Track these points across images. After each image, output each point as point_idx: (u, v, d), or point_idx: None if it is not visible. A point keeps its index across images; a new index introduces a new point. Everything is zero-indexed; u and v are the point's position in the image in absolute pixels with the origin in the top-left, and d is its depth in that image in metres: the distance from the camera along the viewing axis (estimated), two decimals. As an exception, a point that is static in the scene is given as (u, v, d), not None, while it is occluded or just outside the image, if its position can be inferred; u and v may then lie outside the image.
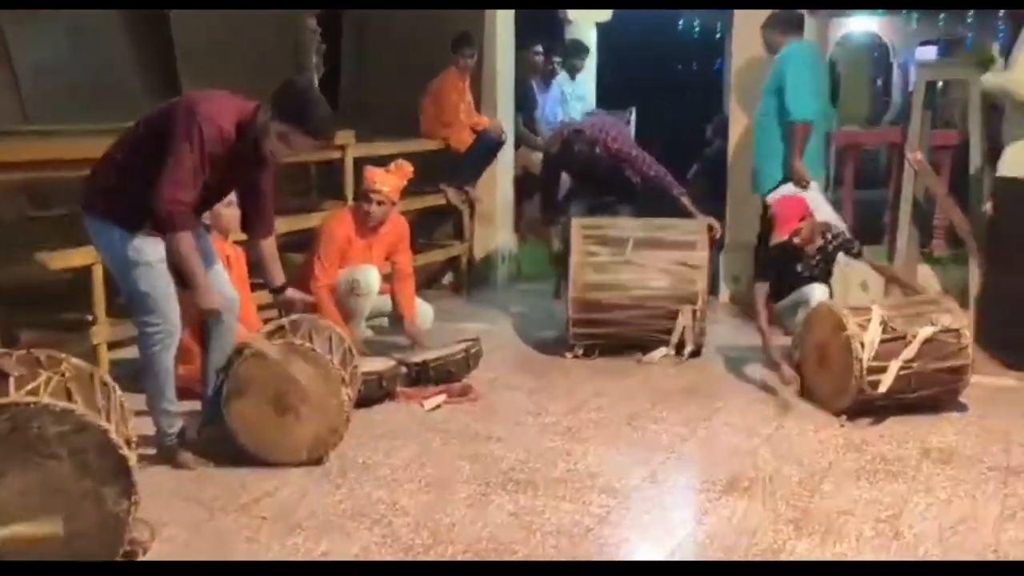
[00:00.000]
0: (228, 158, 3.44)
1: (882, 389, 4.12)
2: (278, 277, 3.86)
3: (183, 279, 3.52)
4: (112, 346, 4.55)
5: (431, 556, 2.99)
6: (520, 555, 2.99)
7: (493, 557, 2.98)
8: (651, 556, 3.03)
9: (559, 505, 3.35)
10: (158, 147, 3.36)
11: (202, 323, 3.74)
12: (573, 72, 8.37)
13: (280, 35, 7.22)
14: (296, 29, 7.32)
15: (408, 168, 5.02)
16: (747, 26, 6.31)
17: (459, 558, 2.97)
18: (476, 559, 2.96)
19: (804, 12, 5.95)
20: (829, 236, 4.93)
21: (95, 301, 4.31)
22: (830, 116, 5.86)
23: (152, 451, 3.71)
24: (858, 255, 4.99)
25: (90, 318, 4.38)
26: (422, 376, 4.61)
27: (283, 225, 5.34)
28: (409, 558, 2.98)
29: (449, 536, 3.12)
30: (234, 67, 6.70)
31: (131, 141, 3.54)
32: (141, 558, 2.93)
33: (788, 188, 5.50)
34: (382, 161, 5.20)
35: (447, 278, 7.16)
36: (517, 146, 7.43)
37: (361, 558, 2.98)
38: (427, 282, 7.03)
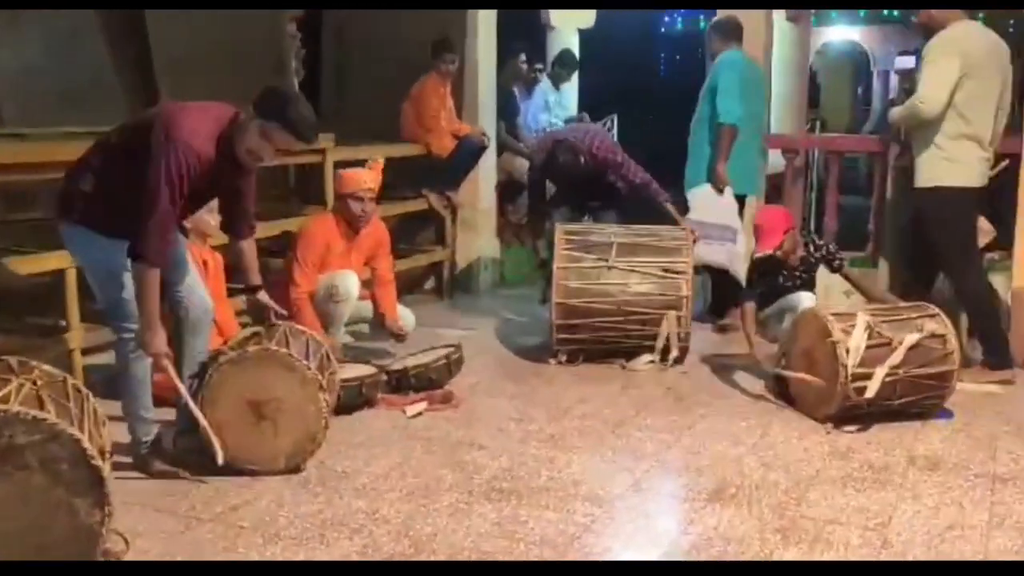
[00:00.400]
0: (208, 172, 3.37)
1: (868, 395, 4.09)
2: (256, 278, 3.79)
3: (160, 286, 3.45)
4: (86, 352, 4.46)
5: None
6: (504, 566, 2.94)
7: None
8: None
9: (543, 514, 3.30)
10: (131, 162, 3.29)
11: (175, 330, 3.66)
12: (557, 82, 8.34)
13: (259, 38, 7.15)
14: (276, 32, 7.25)
15: (382, 163, 4.99)
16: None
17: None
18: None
19: (756, 20, 6.19)
20: (812, 247, 4.91)
21: (68, 306, 4.22)
22: (761, 123, 6.11)
23: (127, 459, 3.64)
24: (839, 268, 4.96)
25: (64, 323, 4.29)
26: (403, 383, 4.55)
27: (262, 230, 5.26)
28: (390, 569, 2.92)
29: (431, 546, 3.06)
30: (213, 70, 6.63)
31: (108, 150, 3.46)
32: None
33: (707, 188, 5.78)
34: (362, 166, 5.15)
35: (429, 283, 7.11)
36: (500, 152, 7.38)
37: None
38: (409, 287, 6.97)
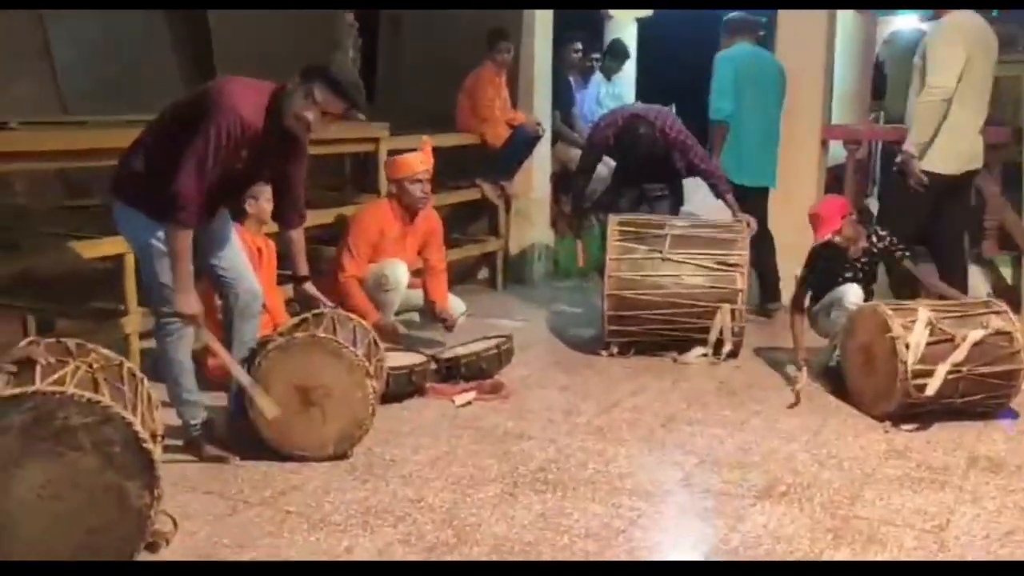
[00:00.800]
0: (254, 146, 3.38)
1: (929, 393, 3.97)
2: (303, 268, 3.81)
3: (199, 271, 3.49)
4: (144, 336, 4.53)
5: (454, 556, 2.92)
6: (547, 557, 2.91)
7: (519, 558, 2.90)
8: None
9: (588, 507, 3.26)
10: (182, 135, 3.32)
11: (224, 315, 3.70)
12: (609, 73, 8.25)
13: (316, 29, 7.20)
14: (333, 23, 7.30)
15: (431, 143, 5.06)
16: (792, 21, 6.19)
17: (483, 559, 2.90)
18: (499, 560, 2.89)
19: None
20: (875, 238, 4.78)
21: (126, 291, 4.29)
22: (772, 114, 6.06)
23: (178, 442, 3.69)
24: (902, 260, 4.81)
25: (122, 308, 4.36)
26: (453, 372, 4.55)
27: (316, 218, 5.33)
28: (432, 557, 2.91)
29: (474, 536, 3.04)
30: (270, 59, 6.68)
31: (158, 128, 3.50)
32: (163, 550, 2.90)
33: None
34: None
35: (482, 274, 7.10)
36: (554, 142, 7.33)
37: (383, 555, 2.92)
38: (462, 277, 6.97)
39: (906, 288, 4.88)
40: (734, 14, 6.07)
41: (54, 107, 5.86)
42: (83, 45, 5.98)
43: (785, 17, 6.32)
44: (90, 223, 4.59)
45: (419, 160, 4.96)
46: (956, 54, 4.80)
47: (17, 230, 4.72)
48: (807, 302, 4.83)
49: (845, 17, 8.19)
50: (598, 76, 8.03)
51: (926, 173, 4.92)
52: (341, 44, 7.59)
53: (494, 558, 2.90)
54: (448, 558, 2.91)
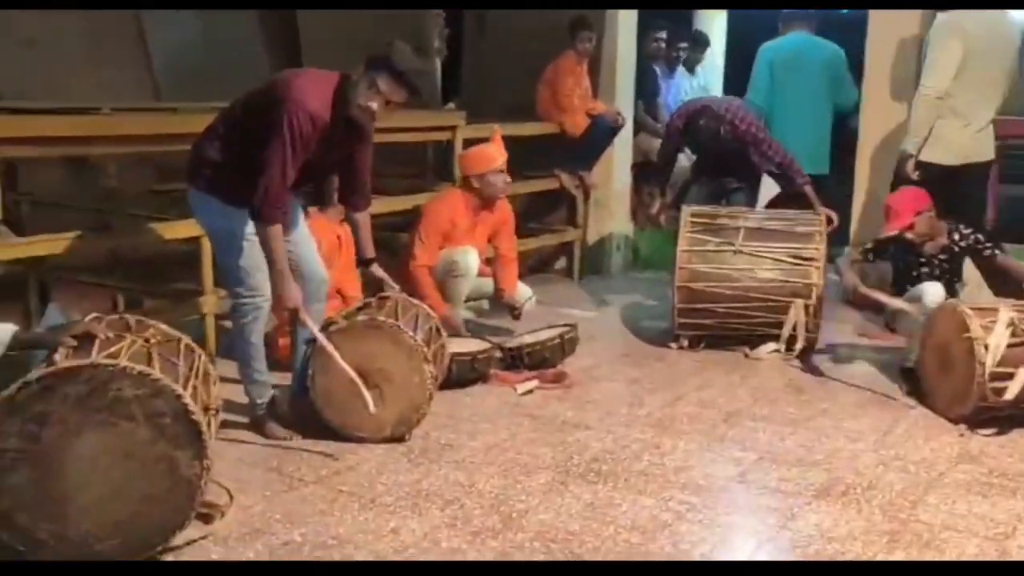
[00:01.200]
0: (324, 136, 3.46)
1: (1008, 397, 3.80)
2: (369, 250, 3.87)
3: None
4: (222, 317, 4.67)
5: (498, 541, 2.93)
6: (589, 546, 2.90)
7: (561, 546, 2.89)
8: (726, 558, 2.87)
9: (638, 499, 3.23)
10: (253, 127, 3.42)
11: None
12: (692, 64, 8.09)
13: (402, 19, 7.29)
14: (419, 14, 7.37)
15: (500, 131, 5.10)
16: (883, 14, 6.00)
17: (526, 545, 2.90)
18: (542, 547, 2.88)
19: None
20: (957, 235, 4.57)
21: (203, 272, 4.43)
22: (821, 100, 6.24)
23: (244, 419, 3.80)
24: (990, 258, 4.58)
25: (199, 288, 4.51)
26: (516, 360, 4.56)
27: (393, 204, 5.41)
28: (476, 542, 2.92)
29: (519, 522, 3.05)
30: (357, 50, 6.80)
31: (231, 118, 3.61)
32: (217, 522, 2.99)
33: None
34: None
35: (560, 264, 7.08)
36: (636, 132, 7.25)
37: (428, 537, 2.95)
38: (539, 267, 6.98)
39: (1008, 285, 4.64)
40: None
41: (147, 94, 6.09)
42: (176, 34, 6.19)
43: (876, 15, 6.12)
44: (176, 206, 4.74)
45: (498, 152, 4.99)
46: (950, 53, 4.97)
47: (108, 212, 4.92)
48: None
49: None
50: (680, 69, 7.90)
51: (925, 164, 5.08)
52: (428, 35, 7.68)
53: (536, 545, 2.90)
54: (491, 543, 2.92)
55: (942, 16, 5.11)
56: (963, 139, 5.11)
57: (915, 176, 5.04)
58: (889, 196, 4.80)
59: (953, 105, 5.04)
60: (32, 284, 5.02)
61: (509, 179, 5.00)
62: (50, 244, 4.14)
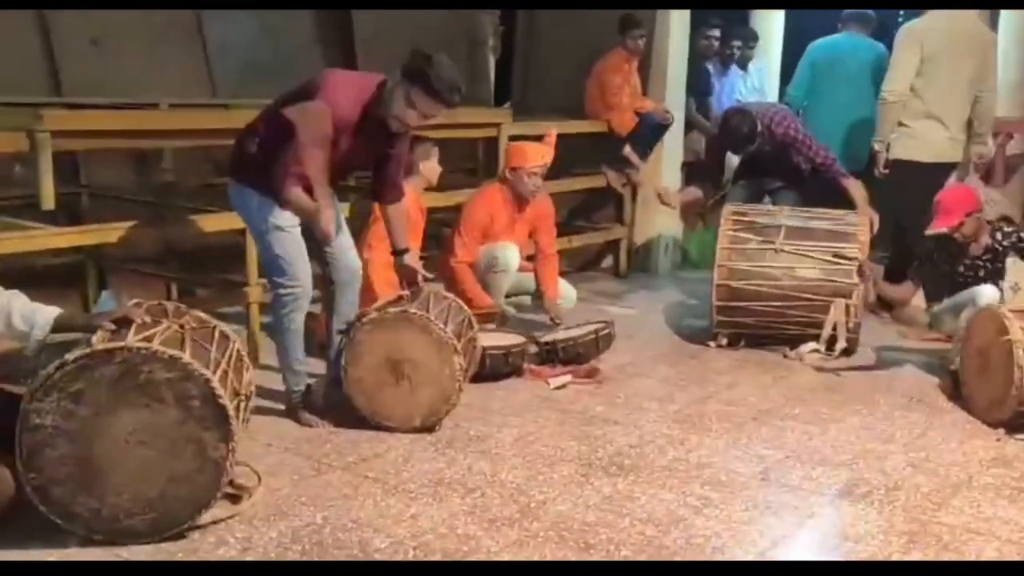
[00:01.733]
0: (356, 133, 3.56)
1: (1048, 402, 3.74)
2: (401, 241, 3.96)
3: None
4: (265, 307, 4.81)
5: (514, 530, 2.98)
6: (603, 538, 2.93)
7: (576, 537, 2.94)
8: (738, 555, 2.88)
9: (657, 493, 3.26)
10: (287, 125, 3.52)
11: (326, 288, 3.90)
12: (744, 63, 8.02)
13: (457, 18, 7.38)
14: (472, 12, 7.46)
15: (555, 133, 5.08)
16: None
17: (541, 535, 2.95)
18: (556, 536, 2.93)
19: None
20: (999, 235, 4.49)
21: (248, 263, 4.57)
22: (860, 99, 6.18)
23: (280, 406, 3.92)
24: None
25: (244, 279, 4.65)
26: (551, 355, 4.60)
27: (440, 199, 5.49)
28: (492, 530, 2.98)
29: (537, 512, 3.10)
30: (411, 46, 6.90)
31: (272, 115, 3.72)
32: (245, 502, 3.09)
33: None
34: (533, 140, 5.21)
35: (607, 262, 7.09)
36: (687, 131, 7.22)
37: (446, 524, 3.01)
38: (586, 265, 7.01)
39: None
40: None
41: (205, 91, 6.29)
42: (234, 33, 6.37)
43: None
44: (226, 199, 4.90)
45: (538, 153, 4.98)
46: (908, 59, 5.40)
47: (161, 204, 5.10)
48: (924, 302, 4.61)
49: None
50: (735, 68, 7.84)
51: (904, 162, 5.48)
52: (484, 33, 7.77)
53: (551, 535, 2.95)
54: (506, 531, 2.97)
55: (906, 23, 5.54)
56: (940, 140, 5.50)
57: (883, 172, 5.53)
58: (941, 193, 4.73)
59: (927, 110, 5.45)
60: (91, 272, 5.27)
61: (540, 183, 4.98)
62: (103, 233, 4.32)
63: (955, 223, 4.40)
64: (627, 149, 6.58)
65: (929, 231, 4.50)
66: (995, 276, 4.52)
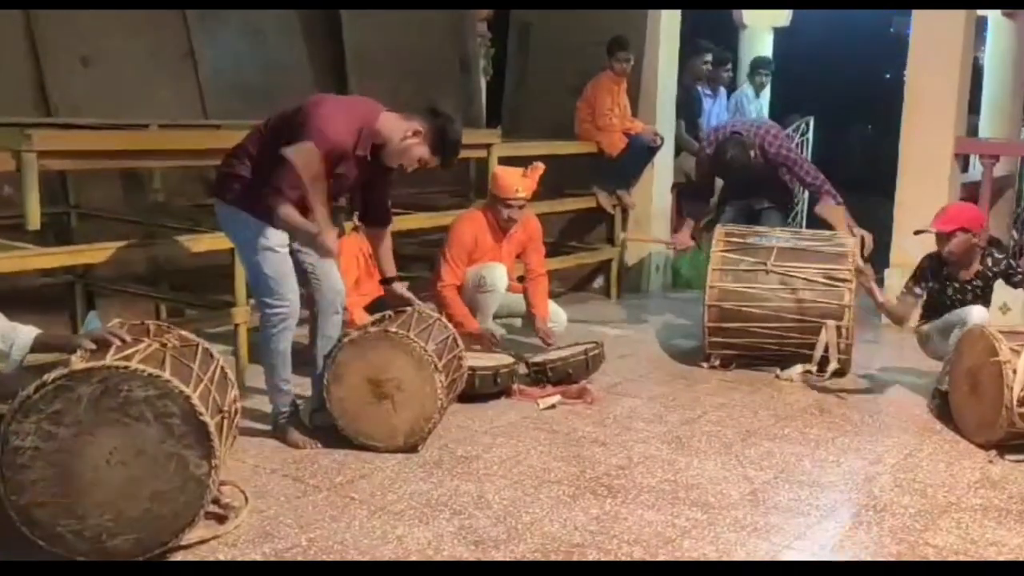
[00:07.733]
0: (348, 160, 3.57)
1: (1037, 423, 3.72)
2: (390, 268, 3.94)
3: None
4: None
5: (500, 551, 2.95)
6: (590, 558, 2.91)
7: (562, 558, 2.91)
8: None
9: (644, 514, 3.23)
10: (281, 146, 3.52)
11: (310, 310, 3.88)
12: (759, 89, 8.07)
13: (447, 39, 7.41)
14: (462, 32, 7.48)
15: (541, 168, 4.97)
16: (927, 29, 5.94)
17: (527, 556, 2.92)
18: (542, 559, 2.90)
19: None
20: (990, 260, 4.49)
21: (236, 284, 4.55)
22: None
23: (268, 427, 3.89)
24: (1020, 284, 4.50)
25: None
26: (540, 376, 4.58)
27: (427, 220, 5.49)
28: (478, 551, 2.95)
29: (524, 534, 3.07)
30: (401, 68, 6.95)
31: (261, 136, 3.72)
32: (230, 523, 3.07)
33: None
34: (522, 162, 5.20)
35: (598, 282, 7.09)
36: (678, 153, 7.25)
37: (432, 545, 2.98)
38: (577, 285, 7.00)
39: None
40: None
41: (196, 112, 6.28)
42: (225, 53, 6.38)
43: (920, 19, 6.06)
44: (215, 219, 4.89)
45: (514, 187, 4.85)
46: None
47: (150, 224, 5.09)
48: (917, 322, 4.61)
49: (997, 23, 7.74)
50: (743, 89, 7.88)
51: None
52: (474, 55, 7.79)
53: (537, 556, 2.93)
54: (492, 553, 2.95)
55: None
56: None
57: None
58: (954, 202, 4.72)
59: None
60: (80, 293, 5.24)
61: (515, 216, 4.88)
62: (92, 254, 4.30)
63: (947, 230, 4.37)
64: (603, 195, 6.64)
65: (918, 229, 4.50)
66: (984, 301, 4.51)
